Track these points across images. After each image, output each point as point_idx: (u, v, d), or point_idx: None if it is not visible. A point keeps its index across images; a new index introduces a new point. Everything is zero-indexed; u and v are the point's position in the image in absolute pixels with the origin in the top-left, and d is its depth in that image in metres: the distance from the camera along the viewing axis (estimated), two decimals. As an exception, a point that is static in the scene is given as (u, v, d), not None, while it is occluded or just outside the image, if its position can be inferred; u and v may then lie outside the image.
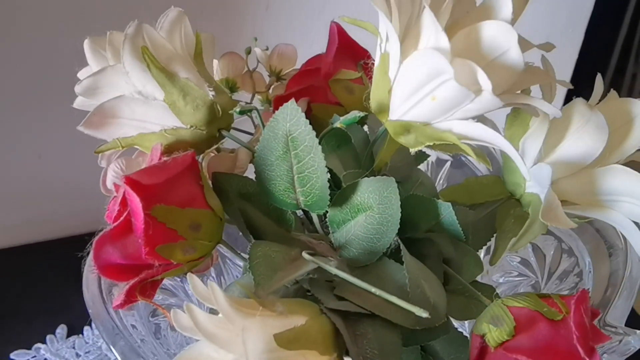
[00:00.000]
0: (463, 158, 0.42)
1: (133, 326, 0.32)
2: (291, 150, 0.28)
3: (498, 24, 0.23)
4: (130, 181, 0.25)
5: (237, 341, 0.23)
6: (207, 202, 0.29)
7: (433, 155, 0.41)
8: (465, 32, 0.24)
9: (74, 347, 0.52)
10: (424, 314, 0.23)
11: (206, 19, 0.56)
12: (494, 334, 0.25)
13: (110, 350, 0.30)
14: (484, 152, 0.33)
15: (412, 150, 0.27)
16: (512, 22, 0.24)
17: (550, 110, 0.25)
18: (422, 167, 0.39)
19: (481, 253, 0.38)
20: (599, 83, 0.32)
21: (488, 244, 0.34)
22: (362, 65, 0.36)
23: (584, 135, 0.28)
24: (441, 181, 0.42)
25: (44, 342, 0.52)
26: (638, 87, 1.67)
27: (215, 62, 0.38)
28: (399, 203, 0.28)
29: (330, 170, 0.31)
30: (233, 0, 0.56)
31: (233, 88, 0.39)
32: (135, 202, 0.25)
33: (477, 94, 0.23)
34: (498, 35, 0.23)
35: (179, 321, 0.24)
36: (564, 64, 0.73)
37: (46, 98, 0.55)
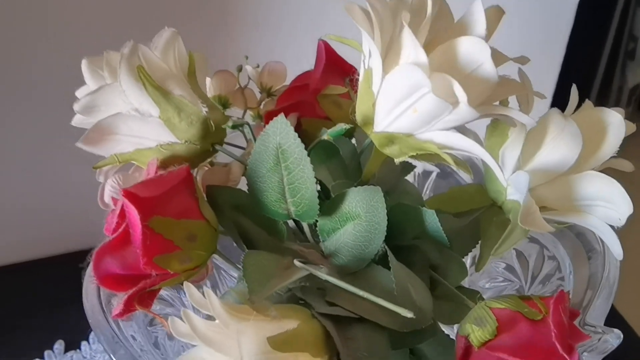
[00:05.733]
0: (448, 169, 0.43)
1: (132, 337, 0.33)
2: (281, 162, 0.29)
3: (472, 40, 0.24)
4: (128, 194, 0.26)
5: (233, 344, 0.24)
6: (202, 214, 0.30)
7: (419, 166, 0.43)
8: (443, 48, 0.25)
9: (71, 362, 0.53)
10: (409, 314, 0.24)
11: (199, 38, 0.57)
12: (477, 334, 0.26)
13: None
14: (467, 162, 0.34)
15: (397, 160, 0.29)
16: (487, 37, 0.25)
17: (525, 120, 0.26)
18: (409, 178, 0.40)
19: (467, 262, 0.40)
20: (574, 94, 0.33)
21: (474, 251, 0.35)
22: (349, 81, 0.37)
23: (559, 144, 0.30)
24: (427, 191, 0.43)
25: (42, 357, 0.53)
26: (624, 99, 1.69)
27: (207, 79, 0.39)
28: (385, 211, 0.29)
29: (320, 182, 0.33)
30: (224, 20, 0.58)
31: (225, 104, 0.40)
32: (134, 214, 0.26)
33: (455, 105, 0.24)
34: (473, 50, 0.24)
35: (176, 328, 0.25)
36: (546, 78, 0.74)
37: (44, 117, 0.56)
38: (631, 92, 1.72)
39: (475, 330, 0.27)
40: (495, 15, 0.26)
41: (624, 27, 1.55)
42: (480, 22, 0.25)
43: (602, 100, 1.64)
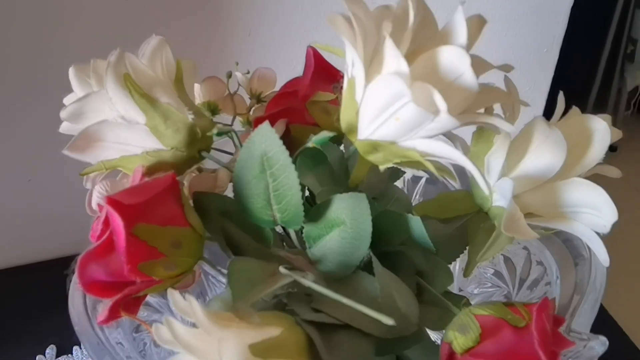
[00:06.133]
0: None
1: (119, 343, 0.33)
2: (267, 169, 0.29)
3: (453, 49, 0.24)
4: (112, 201, 0.27)
5: (215, 351, 0.24)
6: (188, 220, 0.30)
7: (409, 172, 0.43)
8: (425, 57, 0.26)
9: (63, 367, 0.53)
10: (390, 322, 0.24)
11: (191, 45, 0.57)
12: (460, 341, 0.27)
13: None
14: (456, 168, 0.34)
15: (381, 167, 0.29)
16: (469, 46, 0.26)
17: (507, 128, 0.26)
18: (398, 183, 0.41)
19: (457, 267, 0.40)
20: (560, 101, 0.33)
21: (461, 256, 0.35)
22: (337, 87, 0.38)
23: (544, 152, 0.30)
24: (417, 197, 0.43)
25: (34, 362, 0.53)
26: (623, 101, 1.70)
27: (196, 86, 0.39)
28: (370, 218, 0.29)
29: (308, 188, 0.33)
30: (217, 27, 0.58)
31: (215, 111, 0.40)
32: (117, 221, 0.26)
33: (436, 114, 0.24)
34: (453, 59, 0.24)
35: (159, 334, 0.25)
36: (542, 81, 0.75)
37: (35, 123, 0.56)
38: (630, 95, 1.72)
39: (458, 337, 0.27)
40: (477, 24, 0.26)
41: (622, 30, 1.56)
42: (461, 32, 0.25)
43: (601, 103, 1.64)
